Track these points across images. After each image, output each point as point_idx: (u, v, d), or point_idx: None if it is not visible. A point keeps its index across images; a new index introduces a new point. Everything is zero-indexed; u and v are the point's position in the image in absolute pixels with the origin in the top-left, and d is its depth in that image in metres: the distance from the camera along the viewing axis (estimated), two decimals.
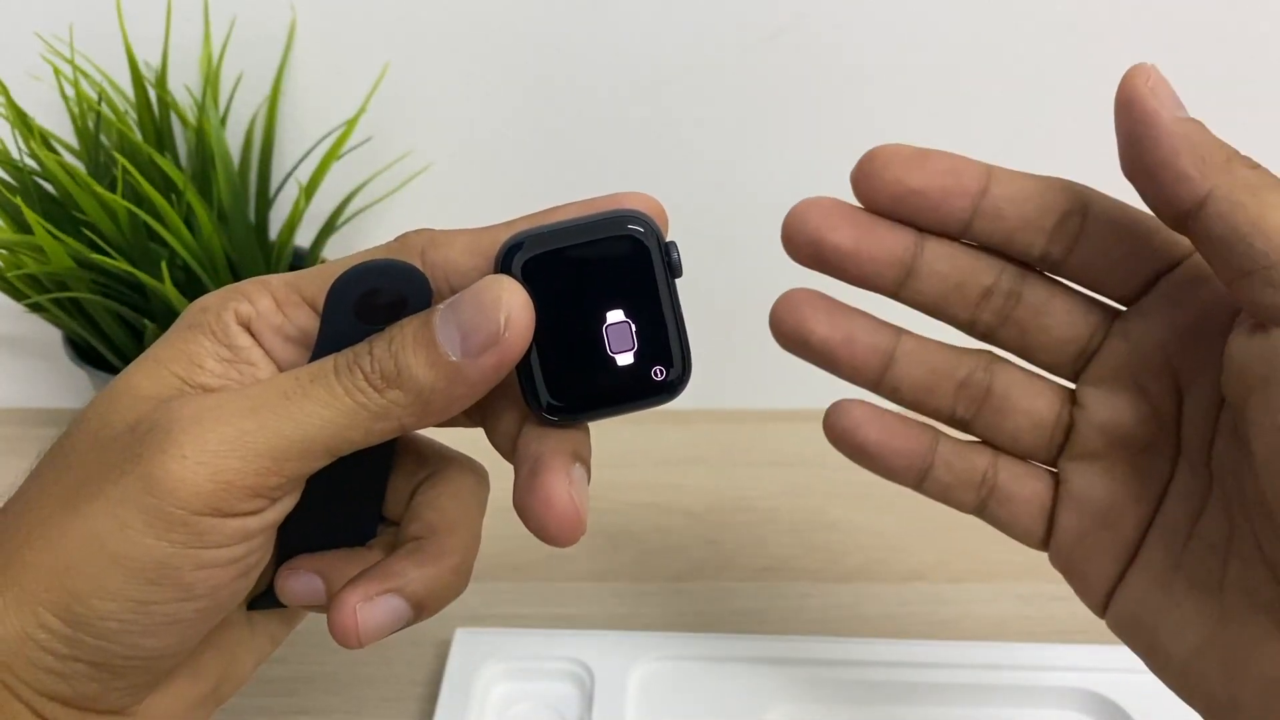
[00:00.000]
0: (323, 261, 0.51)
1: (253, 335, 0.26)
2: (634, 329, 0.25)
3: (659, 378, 0.25)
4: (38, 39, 0.48)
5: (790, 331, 0.30)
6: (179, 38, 0.49)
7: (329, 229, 0.50)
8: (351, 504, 0.28)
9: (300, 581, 0.28)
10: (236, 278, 0.48)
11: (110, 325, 0.46)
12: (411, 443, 0.29)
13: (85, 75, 0.47)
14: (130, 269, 0.43)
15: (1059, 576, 0.50)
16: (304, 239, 0.51)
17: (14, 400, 0.61)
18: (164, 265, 0.42)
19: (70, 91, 0.46)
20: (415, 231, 0.26)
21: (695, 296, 0.57)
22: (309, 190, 0.48)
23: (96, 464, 0.24)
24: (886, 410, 0.30)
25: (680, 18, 0.49)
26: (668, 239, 0.26)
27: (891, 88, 0.51)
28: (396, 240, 0.26)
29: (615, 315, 0.25)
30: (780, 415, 0.59)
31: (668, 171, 0.53)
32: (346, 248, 0.56)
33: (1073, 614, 0.47)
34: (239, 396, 0.24)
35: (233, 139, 0.51)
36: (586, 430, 0.27)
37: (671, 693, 0.41)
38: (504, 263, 0.25)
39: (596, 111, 0.52)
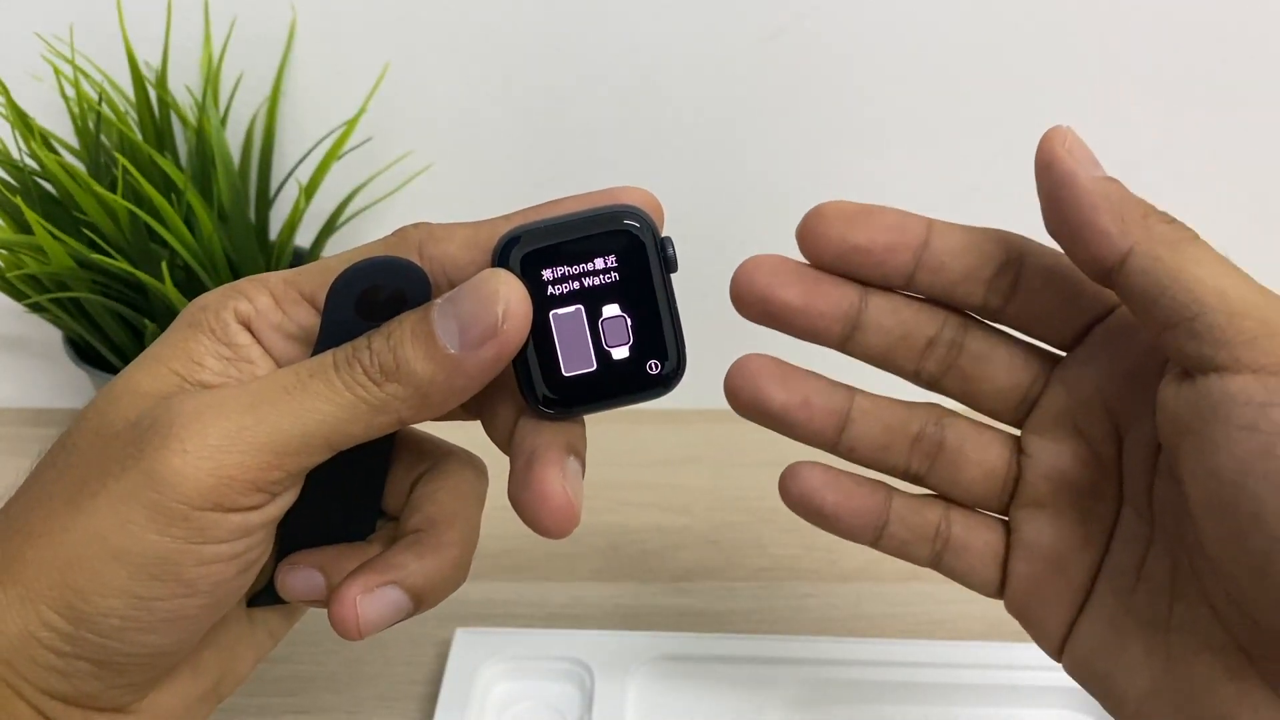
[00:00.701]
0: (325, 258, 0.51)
1: (252, 333, 0.26)
2: (629, 323, 0.25)
3: (654, 371, 0.26)
4: (38, 39, 0.48)
5: (748, 401, 0.30)
6: (179, 38, 0.49)
7: (329, 229, 0.51)
8: (351, 499, 0.28)
9: (300, 577, 0.28)
10: (237, 278, 0.48)
11: (111, 325, 0.46)
12: (410, 436, 0.29)
13: (86, 75, 0.47)
14: (130, 269, 0.43)
15: None
16: (304, 239, 0.51)
17: (14, 400, 0.61)
18: (164, 265, 0.42)
19: (71, 92, 0.46)
20: (413, 226, 0.27)
21: (694, 296, 0.57)
22: (309, 190, 0.48)
23: (98, 461, 0.24)
24: (841, 471, 0.31)
25: (680, 18, 0.49)
26: (664, 234, 0.26)
27: (889, 88, 0.51)
28: (394, 235, 0.27)
29: (611, 310, 0.25)
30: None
31: (667, 171, 0.53)
32: (346, 248, 0.56)
33: None
34: (239, 392, 0.24)
35: (233, 139, 0.51)
36: (582, 423, 0.27)
37: (671, 693, 0.41)
38: (501, 256, 0.25)
39: (596, 111, 0.52)
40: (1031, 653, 0.42)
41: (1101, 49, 0.50)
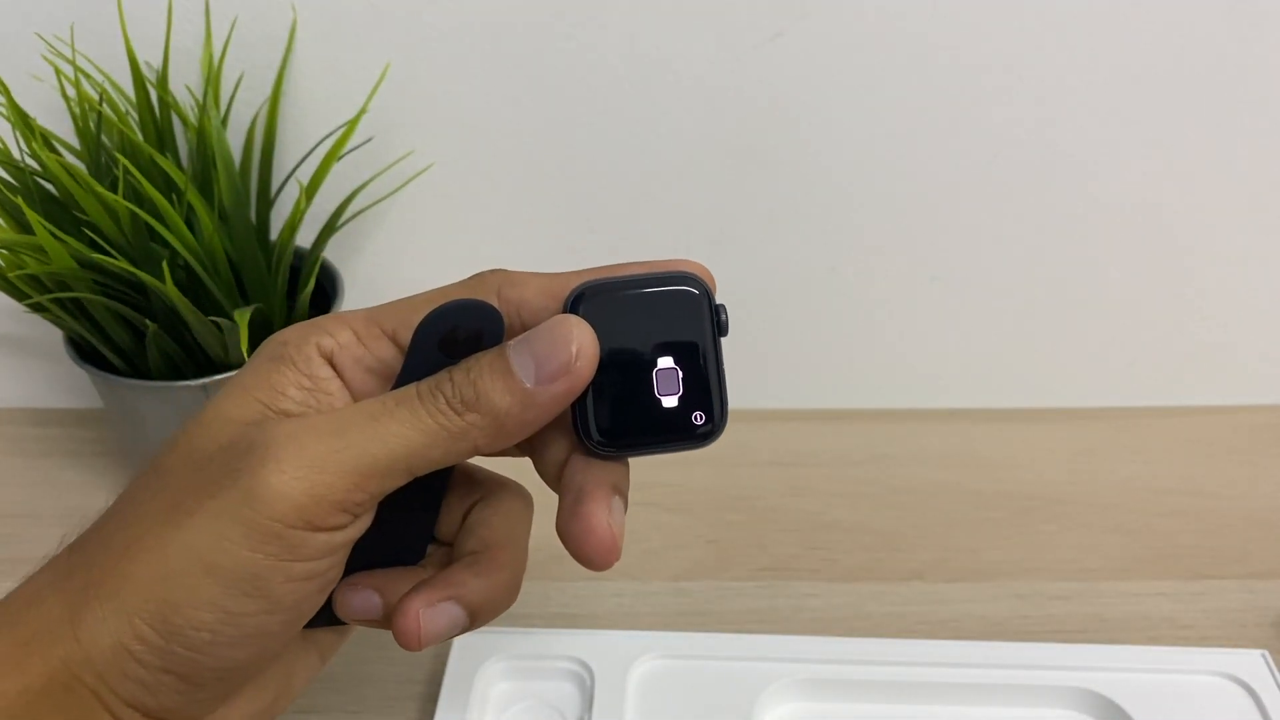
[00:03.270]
0: (325, 261, 0.51)
1: (334, 367, 0.28)
2: (681, 376, 0.28)
3: (698, 423, 0.28)
4: (39, 39, 0.48)
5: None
6: (180, 38, 0.49)
7: (330, 229, 0.51)
8: (409, 525, 0.29)
9: (359, 598, 0.29)
10: (237, 277, 0.48)
11: (112, 325, 0.46)
12: (464, 468, 0.31)
13: (86, 76, 0.47)
14: (131, 269, 0.43)
15: (1059, 576, 0.50)
16: (305, 239, 0.51)
17: (15, 400, 0.61)
18: (165, 265, 0.42)
19: (71, 92, 0.46)
20: (491, 272, 0.28)
21: None
22: (310, 190, 0.48)
23: (193, 482, 0.26)
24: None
25: (681, 18, 0.49)
26: (719, 302, 0.28)
27: (889, 88, 0.51)
28: (473, 278, 0.28)
29: (665, 362, 0.27)
30: (780, 415, 0.59)
31: (667, 170, 0.53)
32: (347, 247, 0.56)
33: (1072, 614, 0.47)
34: (330, 418, 0.26)
35: (234, 139, 0.51)
36: (627, 466, 0.29)
37: (671, 692, 0.41)
38: (573, 305, 0.27)
39: (596, 111, 0.52)
40: (1031, 652, 0.42)
41: (1102, 48, 0.50)
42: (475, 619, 0.29)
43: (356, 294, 0.56)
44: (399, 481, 0.26)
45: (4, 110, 0.44)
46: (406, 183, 0.53)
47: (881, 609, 0.47)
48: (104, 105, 0.45)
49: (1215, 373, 0.60)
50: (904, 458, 0.57)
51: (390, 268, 0.57)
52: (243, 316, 0.43)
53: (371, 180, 0.52)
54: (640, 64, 0.51)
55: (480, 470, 0.32)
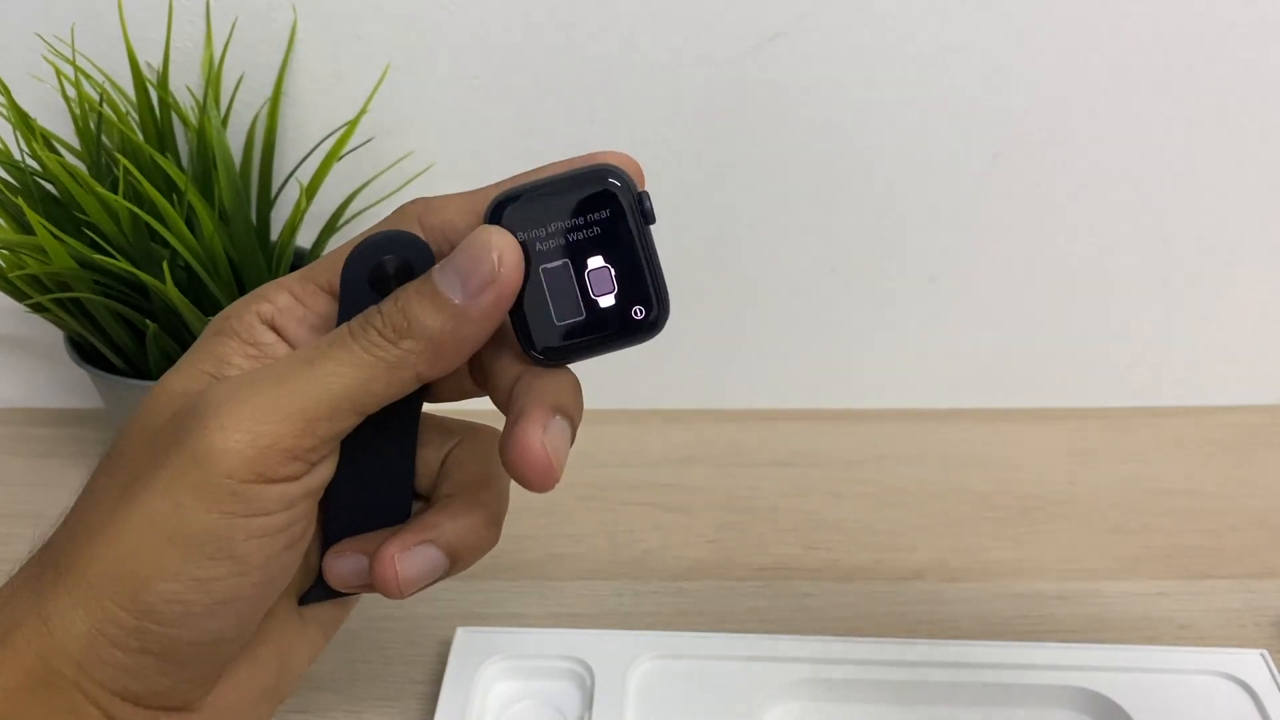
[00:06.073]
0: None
1: (276, 331, 0.28)
2: (613, 273, 0.27)
3: (639, 317, 0.27)
4: (39, 40, 0.48)
5: None
6: (180, 39, 0.49)
7: (330, 229, 0.51)
8: (385, 483, 0.29)
9: (347, 563, 0.29)
10: (238, 278, 0.48)
11: (112, 325, 0.46)
12: (434, 419, 0.31)
13: (87, 76, 0.47)
14: (132, 269, 0.43)
15: (1059, 576, 0.50)
16: (305, 239, 0.51)
17: (15, 400, 0.62)
18: (165, 266, 0.42)
19: (72, 92, 0.46)
20: (410, 201, 0.28)
21: (697, 297, 0.57)
22: (310, 191, 0.48)
23: (145, 457, 0.26)
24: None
25: (680, 18, 0.49)
26: (641, 189, 0.27)
27: (889, 88, 0.51)
28: (395, 213, 0.28)
29: (596, 261, 0.27)
30: (780, 415, 0.60)
31: (668, 170, 0.53)
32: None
33: (1073, 614, 0.47)
34: (267, 370, 0.26)
35: (234, 140, 0.51)
36: (576, 385, 0.28)
37: (671, 691, 0.41)
38: (493, 216, 0.27)
39: (596, 112, 0.52)
40: (1032, 653, 0.42)
41: (1099, 51, 0.50)
42: (456, 562, 0.29)
43: None
44: (349, 421, 0.26)
45: (4, 110, 0.44)
46: (407, 183, 0.53)
47: (881, 609, 0.47)
48: (104, 106, 0.45)
49: (1215, 373, 0.60)
50: (904, 458, 0.57)
51: None
52: None
53: (371, 180, 0.52)
54: (640, 64, 0.51)
55: (450, 419, 0.31)
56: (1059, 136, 0.52)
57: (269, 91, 0.50)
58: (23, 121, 0.44)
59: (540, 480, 0.26)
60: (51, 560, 0.26)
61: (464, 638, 0.43)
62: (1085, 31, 0.50)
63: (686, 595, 0.48)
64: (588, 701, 0.41)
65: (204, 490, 0.24)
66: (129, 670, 0.25)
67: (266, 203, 0.51)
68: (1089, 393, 0.61)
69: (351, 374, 0.25)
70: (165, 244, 0.45)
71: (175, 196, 0.45)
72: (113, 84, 0.49)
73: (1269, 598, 0.48)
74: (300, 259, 0.51)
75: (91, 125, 0.46)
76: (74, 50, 0.47)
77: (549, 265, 0.27)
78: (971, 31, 0.50)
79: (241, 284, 0.48)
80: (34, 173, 0.45)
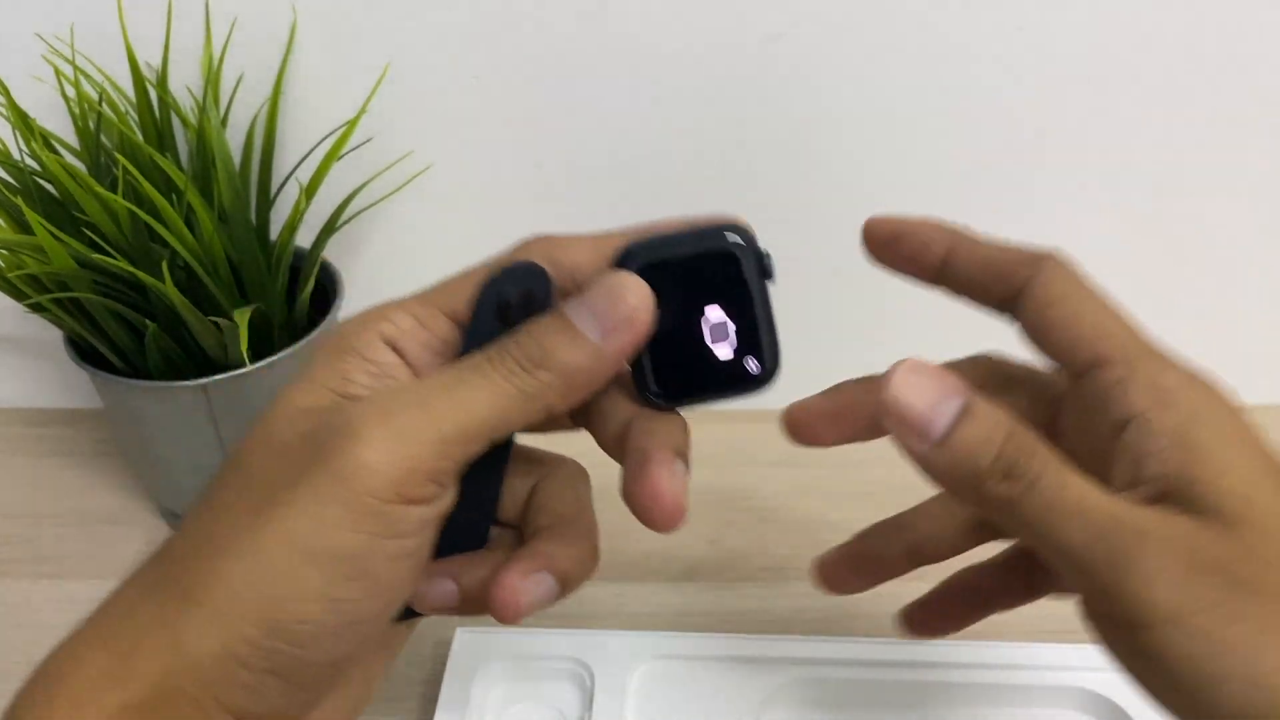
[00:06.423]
0: (325, 261, 0.51)
1: (398, 351, 0.28)
2: (732, 326, 0.28)
3: (753, 370, 0.29)
4: (39, 39, 0.48)
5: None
6: (180, 38, 0.49)
7: (330, 229, 0.51)
8: (475, 509, 0.29)
9: (437, 586, 0.29)
10: (238, 278, 0.48)
11: (111, 325, 0.46)
12: (522, 449, 0.31)
13: (86, 76, 0.47)
14: (131, 269, 0.43)
15: None
16: (305, 239, 0.51)
17: (15, 400, 0.62)
18: (165, 265, 0.42)
19: (71, 92, 0.46)
20: (534, 238, 0.29)
21: None
22: (310, 191, 0.48)
23: (279, 473, 0.26)
24: None
25: (681, 18, 0.49)
26: (764, 250, 0.29)
27: (889, 88, 0.51)
28: (518, 245, 0.29)
29: (715, 313, 0.28)
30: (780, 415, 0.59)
31: (669, 170, 0.53)
32: (347, 247, 0.56)
33: (1072, 614, 0.47)
34: (408, 391, 0.26)
35: (234, 139, 0.51)
36: (687, 426, 0.29)
37: (671, 692, 0.41)
38: (624, 263, 0.28)
39: (596, 111, 0.52)
40: (1032, 653, 0.42)
41: (1096, 52, 0.50)
42: (565, 587, 0.29)
43: (356, 294, 0.56)
44: (480, 448, 0.26)
45: (4, 110, 0.44)
46: (406, 183, 0.53)
47: (882, 609, 0.47)
48: (104, 105, 0.45)
49: (1215, 373, 0.60)
50: (905, 457, 0.57)
51: (390, 268, 0.57)
52: (242, 316, 0.43)
53: (371, 180, 0.52)
54: (640, 64, 0.51)
55: (535, 450, 0.32)
56: (1059, 136, 0.52)
57: (269, 91, 0.50)
58: (22, 121, 0.44)
59: (669, 522, 0.27)
60: (175, 573, 0.26)
61: (464, 639, 0.43)
62: (1092, 28, 0.50)
63: (686, 596, 0.48)
64: (588, 702, 0.41)
65: (348, 508, 0.24)
66: (252, 690, 0.25)
67: (266, 203, 0.51)
68: None
69: (490, 401, 0.26)
70: (165, 244, 0.45)
71: (175, 196, 0.45)
72: (112, 84, 0.49)
73: None
74: (300, 259, 0.51)
75: (91, 125, 0.46)
76: (73, 50, 0.47)
77: (673, 313, 0.28)
78: (972, 31, 0.50)
79: (241, 283, 0.48)
80: (33, 172, 0.45)
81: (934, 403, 0.25)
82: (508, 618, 0.28)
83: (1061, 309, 0.28)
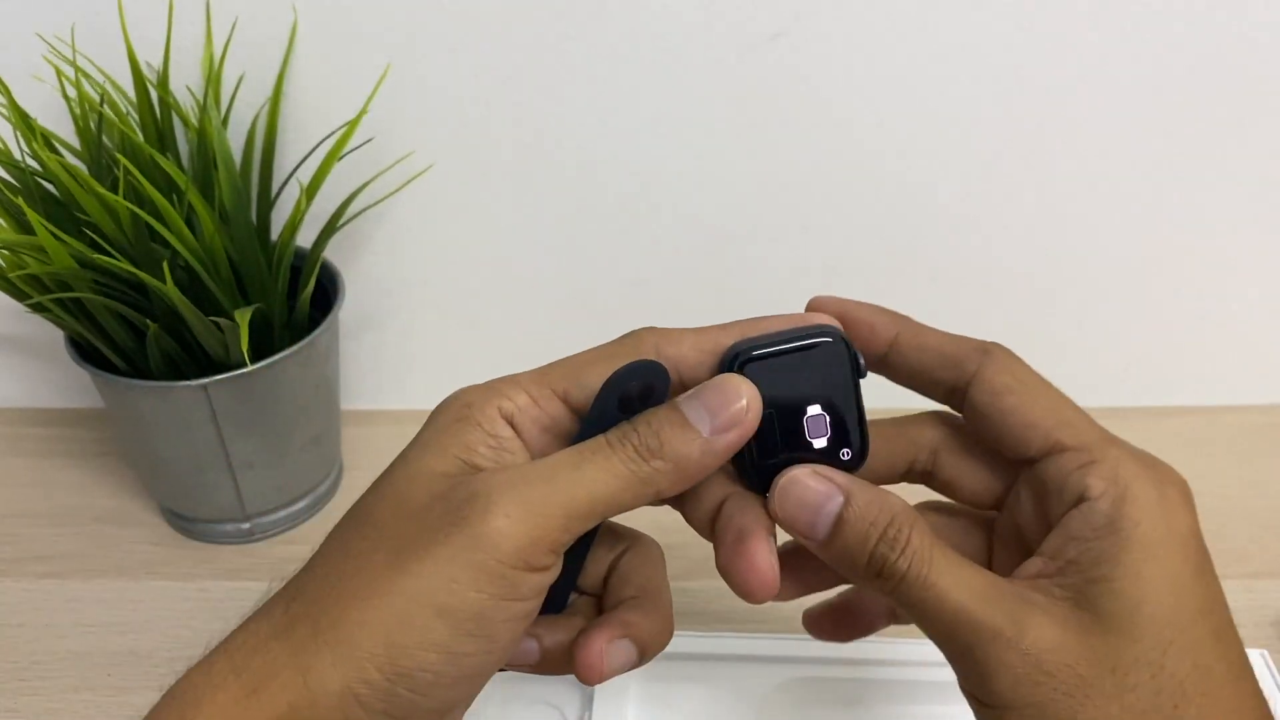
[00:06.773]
0: (326, 261, 0.51)
1: (514, 427, 0.30)
2: (828, 420, 0.31)
3: (845, 458, 0.31)
4: (40, 40, 0.48)
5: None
6: (181, 39, 0.49)
7: (330, 229, 0.51)
8: (562, 577, 0.31)
9: (523, 644, 0.32)
10: (238, 278, 0.48)
11: (112, 325, 0.46)
12: (607, 524, 0.33)
13: (87, 76, 0.47)
14: (132, 269, 0.43)
15: None
16: (305, 239, 0.51)
17: (16, 400, 0.62)
18: (165, 265, 0.42)
19: (72, 92, 0.46)
20: (645, 330, 0.31)
21: (700, 298, 0.57)
22: (310, 191, 0.48)
23: (414, 532, 0.28)
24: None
25: (681, 19, 0.49)
26: (857, 349, 0.31)
27: (889, 88, 0.51)
28: (629, 337, 0.31)
29: (814, 408, 0.30)
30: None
31: (668, 169, 0.53)
32: (347, 247, 0.56)
33: None
34: (539, 467, 0.28)
35: (234, 140, 0.51)
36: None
37: (671, 693, 0.41)
38: (733, 364, 0.30)
39: (596, 112, 0.52)
40: None
41: (1094, 52, 0.50)
42: (643, 655, 0.31)
43: (356, 294, 0.56)
44: (594, 524, 0.29)
45: (5, 110, 0.44)
46: (406, 183, 0.53)
47: None
48: (105, 106, 0.45)
49: (1215, 373, 0.60)
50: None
51: (390, 268, 0.57)
52: (243, 316, 0.43)
53: (372, 180, 0.52)
54: (640, 64, 0.51)
55: (619, 525, 0.34)
56: (1061, 136, 0.52)
57: (269, 91, 0.50)
58: (23, 121, 0.44)
59: (768, 594, 0.30)
60: (308, 614, 0.27)
61: None
62: (1089, 31, 0.50)
63: (687, 595, 0.48)
64: (588, 702, 0.41)
65: (480, 571, 0.26)
66: None
67: (267, 203, 0.51)
68: (1089, 392, 0.60)
69: (609, 482, 0.28)
70: (165, 244, 0.45)
71: (175, 196, 0.45)
72: (113, 84, 0.49)
73: (1269, 597, 0.48)
74: (300, 259, 0.51)
75: (92, 125, 0.46)
76: (74, 50, 0.47)
77: (775, 408, 0.30)
78: (974, 32, 0.50)
79: (241, 283, 0.48)
80: (34, 173, 0.45)
81: (817, 507, 0.29)
82: (591, 679, 0.31)
83: (1016, 397, 0.30)
